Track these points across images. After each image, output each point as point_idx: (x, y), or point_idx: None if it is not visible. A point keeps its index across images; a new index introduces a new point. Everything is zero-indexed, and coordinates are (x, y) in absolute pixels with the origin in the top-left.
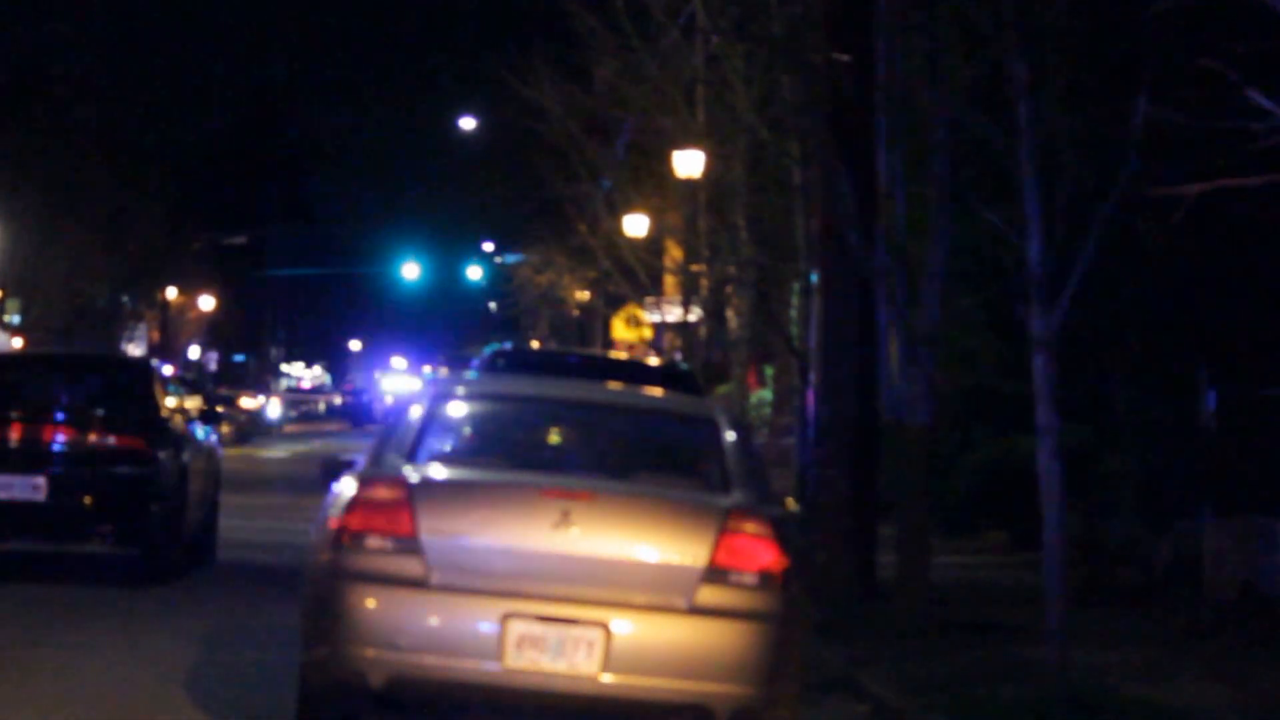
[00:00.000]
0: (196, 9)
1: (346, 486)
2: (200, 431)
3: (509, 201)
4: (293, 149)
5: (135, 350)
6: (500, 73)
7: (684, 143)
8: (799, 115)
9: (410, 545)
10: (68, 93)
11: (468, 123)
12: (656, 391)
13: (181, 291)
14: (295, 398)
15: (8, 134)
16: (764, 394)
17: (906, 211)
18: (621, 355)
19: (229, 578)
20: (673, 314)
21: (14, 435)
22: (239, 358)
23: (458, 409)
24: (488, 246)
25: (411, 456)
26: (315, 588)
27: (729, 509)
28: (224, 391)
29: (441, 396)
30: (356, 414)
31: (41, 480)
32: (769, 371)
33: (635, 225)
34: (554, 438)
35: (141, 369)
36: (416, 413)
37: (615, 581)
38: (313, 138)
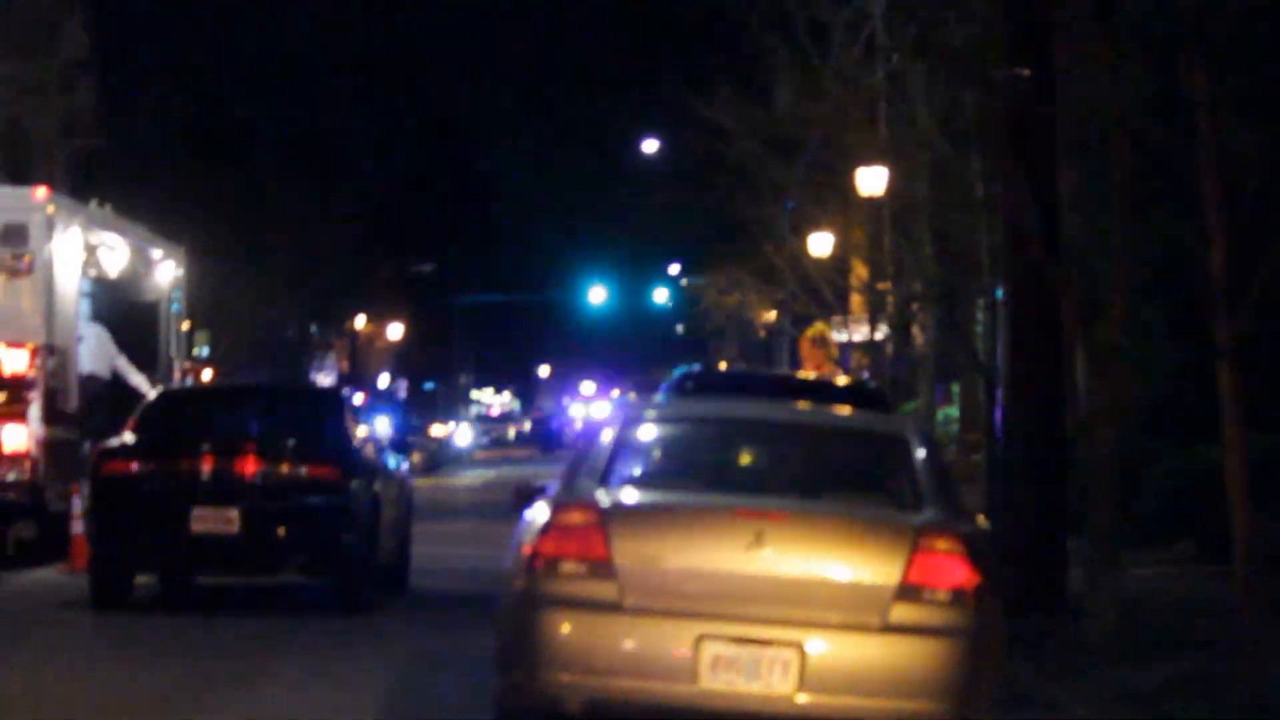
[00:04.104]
0: (380, 40)
1: (539, 512)
2: (391, 460)
3: (693, 223)
4: (478, 176)
5: (325, 380)
6: (682, 94)
7: (867, 160)
8: (980, 130)
9: (604, 569)
10: (254, 126)
11: (650, 145)
12: (845, 410)
13: (370, 320)
14: (485, 425)
15: (196, 168)
16: (951, 410)
17: (1090, 224)
18: (810, 375)
19: (422, 605)
20: (859, 333)
21: (206, 468)
22: (428, 385)
23: (648, 432)
24: (674, 269)
25: (603, 481)
26: (510, 613)
27: (921, 527)
28: (414, 419)
29: (631, 420)
30: (546, 440)
31: (235, 513)
32: (955, 388)
33: (820, 244)
34: (745, 459)
35: (332, 398)
36: (607, 437)
37: (809, 601)
38: (497, 164)
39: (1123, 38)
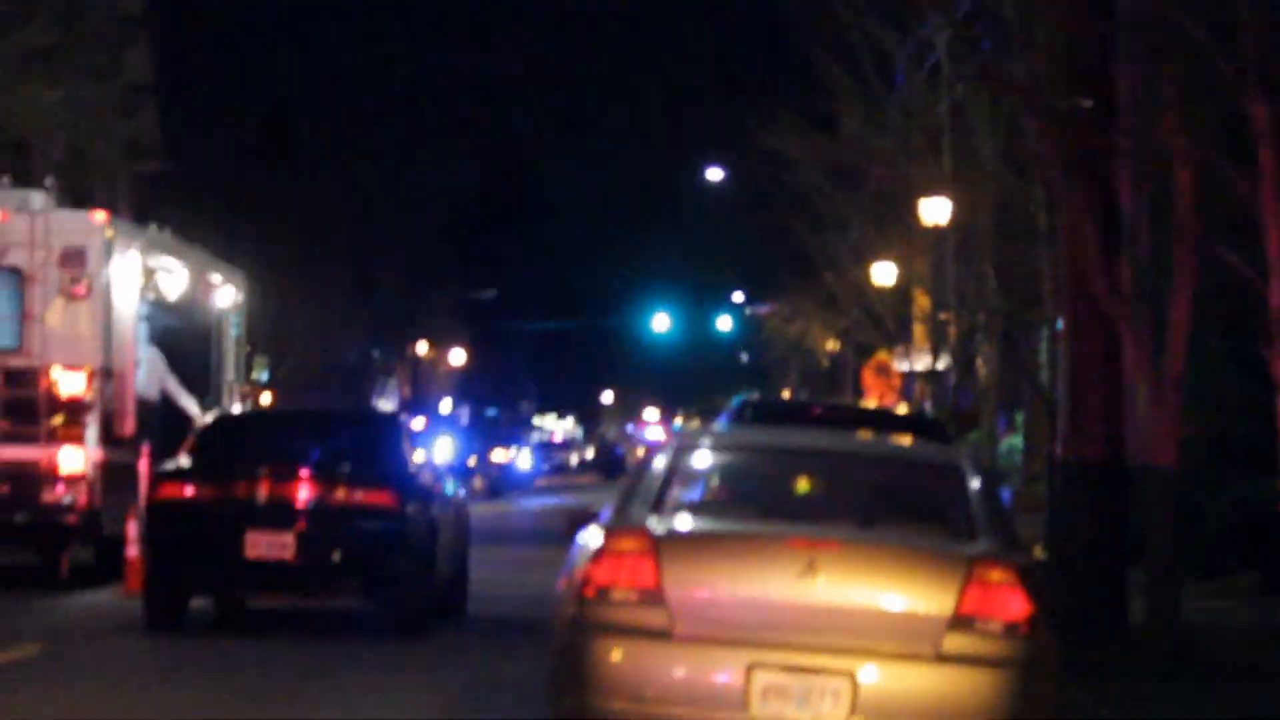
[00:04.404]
0: (447, 65)
1: (591, 539)
2: (449, 485)
3: (757, 251)
4: (543, 202)
5: (386, 405)
6: (747, 123)
7: (930, 190)
8: (1043, 162)
9: (655, 597)
10: (315, 149)
11: (714, 174)
12: (901, 440)
13: (432, 345)
14: (547, 451)
15: (257, 192)
16: (1015, 440)
17: (1151, 255)
18: (870, 404)
19: (479, 630)
20: (921, 362)
21: (261, 492)
22: (491, 411)
23: (702, 459)
24: (737, 297)
25: (656, 508)
26: (561, 640)
27: (975, 557)
28: (475, 445)
29: (685, 447)
30: (608, 466)
31: (290, 536)
32: (1019, 418)
33: (883, 274)
34: (798, 487)
35: (388, 423)
36: (661, 464)
37: (861, 630)
38: (563, 190)
39: (1184, 70)
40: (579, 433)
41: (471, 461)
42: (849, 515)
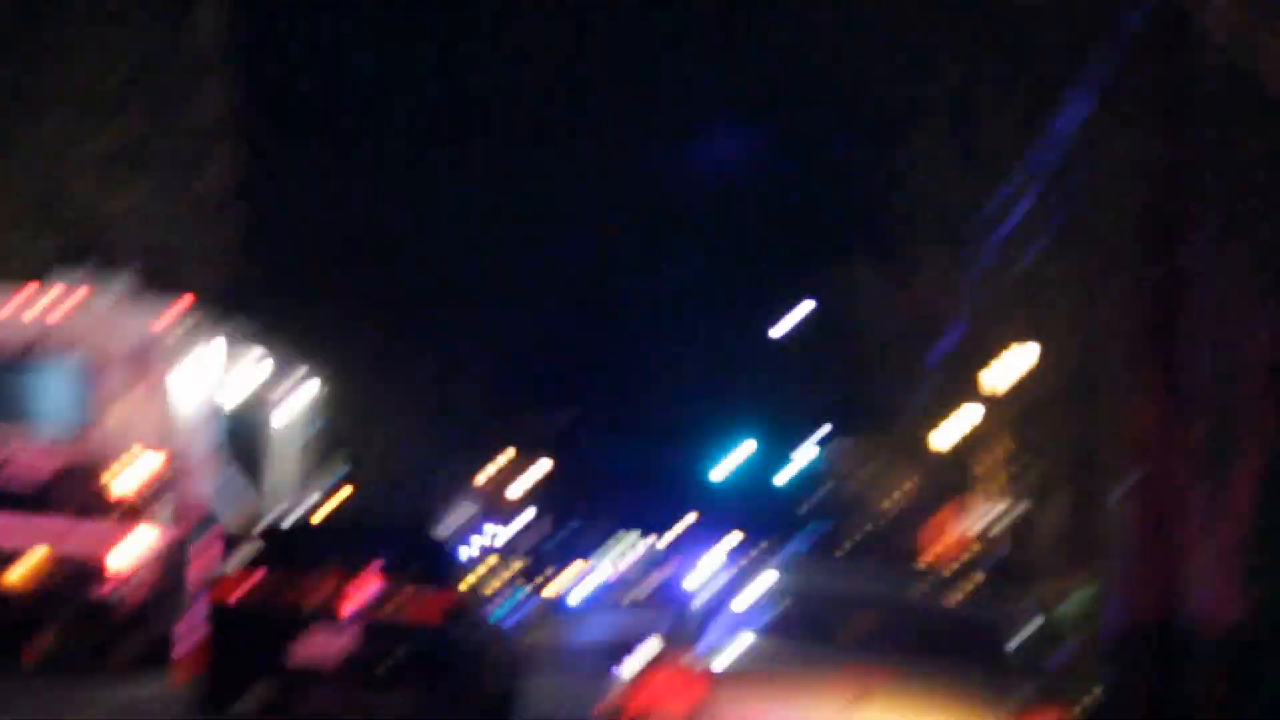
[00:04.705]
0: (530, 186)
1: (633, 665)
2: (509, 600)
3: (834, 395)
4: (624, 331)
5: (461, 514)
6: (818, 282)
7: (1006, 348)
8: (1116, 327)
9: None
10: (405, 264)
11: (792, 318)
12: (953, 584)
13: (514, 457)
14: (606, 590)
15: (332, 305)
16: (1078, 601)
17: (1219, 421)
18: (932, 556)
19: None
20: (988, 518)
21: (318, 596)
22: (571, 526)
23: (753, 589)
24: (817, 434)
25: (702, 635)
26: None
27: (1029, 699)
28: (549, 562)
29: (737, 578)
30: (670, 595)
31: (342, 643)
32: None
33: (947, 434)
34: (848, 621)
35: (439, 541)
36: (710, 592)
37: None
38: (638, 333)
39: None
40: (655, 555)
41: (540, 580)
42: (899, 650)
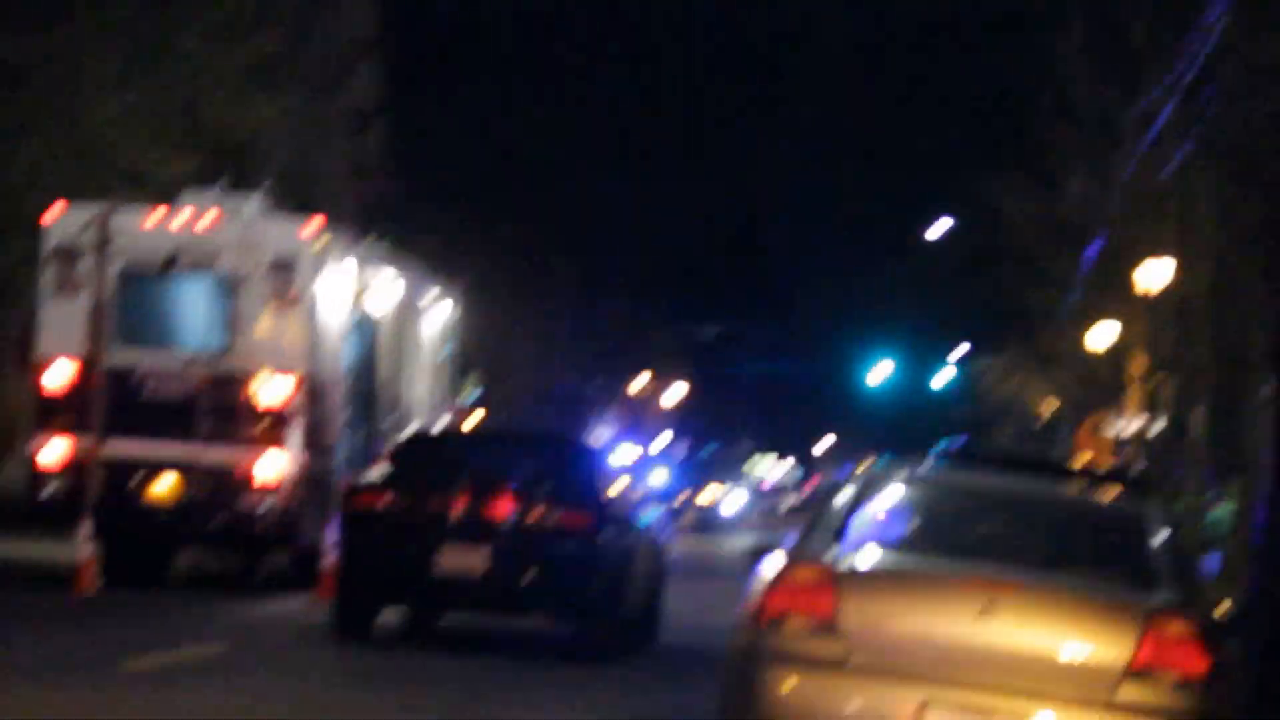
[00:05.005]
0: (677, 104)
1: (770, 569)
2: (649, 515)
3: (979, 306)
4: (765, 245)
5: (600, 434)
6: (969, 181)
7: (1151, 253)
8: (1262, 230)
9: (830, 628)
10: (543, 182)
11: (939, 227)
12: (1093, 490)
13: (654, 378)
14: (757, 497)
15: (479, 225)
16: (1220, 512)
17: None
18: (1076, 462)
19: (668, 659)
20: (1135, 425)
21: (457, 508)
22: (709, 447)
23: (887, 495)
24: (957, 351)
25: (837, 540)
26: (735, 667)
27: (1155, 609)
28: (688, 480)
29: (871, 483)
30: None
31: (482, 553)
32: (1233, 488)
33: (1100, 337)
34: (981, 528)
35: (588, 450)
36: (844, 498)
37: (1036, 674)
38: (790, 233)
39: None
40: (797, 474)
41: (682, 497)
42: (1031, 559)
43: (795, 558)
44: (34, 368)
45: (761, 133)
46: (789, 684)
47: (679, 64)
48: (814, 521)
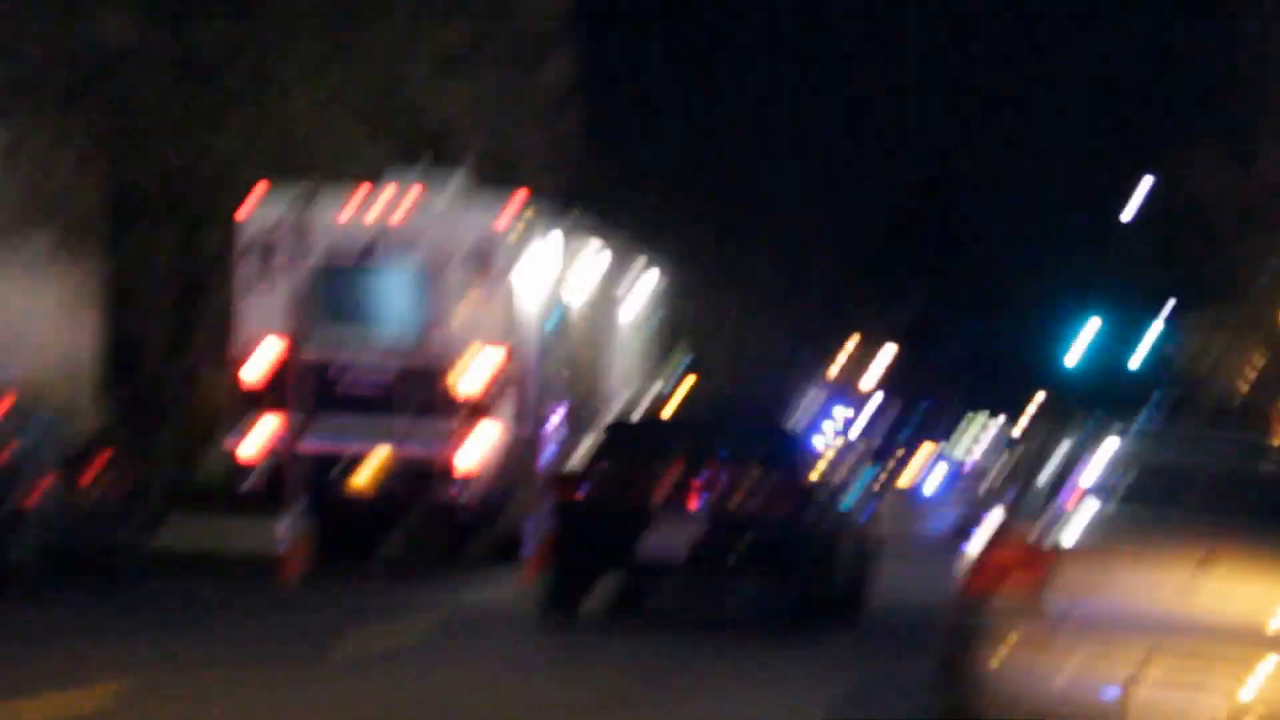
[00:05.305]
0: (864, 91)
1: (980, 540)
2: (858, 488)
3: (1176, 274)
4: (960, 228)
5: (811, 400)
6: (1163, 159)
7: None
8: None
9: (1043, 595)
10: (737, 171)
11: (1141, 192)
12: None
13: (861, 342)
14: (954, 479)
15: (681, 200)
16: None
17: None
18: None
19: (876, 634)
20: None
21: (662, 490)
22: (921, 406)
23: (1099, 462)
24: (1158, 323)
25: (1048, 507)
26: (948, 637)
27: None
28: (898, 443)
29: (1080, 449)
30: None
31: (690, 535)
32: None
33: None
34: (1192, 488)
35: (791, 431)
36: (1054, 465)
37: (1251, 640)
38: (981, 215)
39: None
40: (1002, 446)
41: (884, 475)
42: (1243, 516)
43: (1007, 527)
44: (233, 358)
45: (958, 96)
46: (1004, 653)
47: (881, 30)
48: (1024, 490)
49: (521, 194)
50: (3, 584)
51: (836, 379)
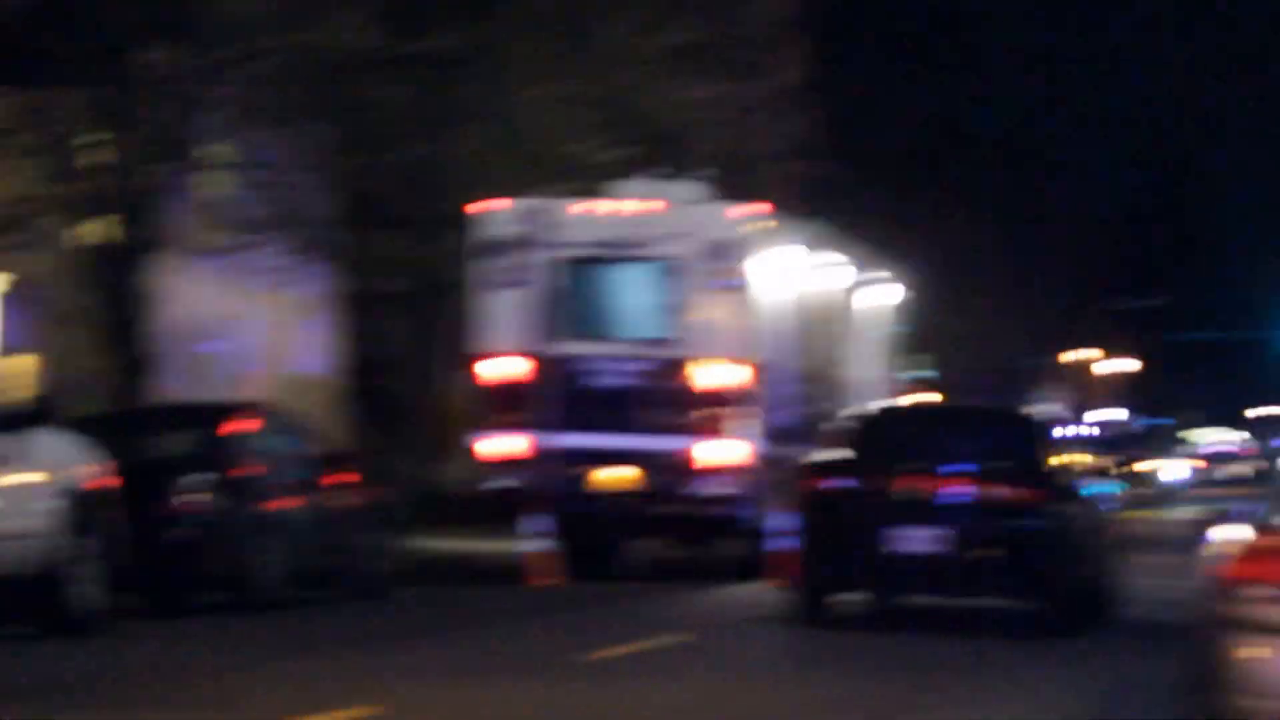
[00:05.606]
0: (1111, 76)
1: (1227, 536)
2: (1090, 487)
3: None
4: (1206, 210)
5: (1051, 408)
6: None
7: None
8: None
9: None
10: (976, 157)
11: None
12: None
13: (1103, 351)
14: (1202, 462)
15: (919, 199)
16: None
17: None
18: None
19: (1125, 633)
20: None
21: (910, 488)
22: (1163, 421)
23: None
24: None
25: None
26: (1197, 636)
27: None
28: (1132, 452)
29: None
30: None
31: (938, 533)
32: None
33: None
34: None
35: (1028, 424)
36: None
37: None
38: (1230, 198)
39: None
40: (1242, 442)
41: (1124, 469)
42: None
43: (1258, 525)
44: (473, 362)
45: (1200, 103)
46: (1254, 651)
47: (1116, 27)
48: (1276, 488)
49: (763, 203)
50: (255, 598)
51: (1075, 382)
